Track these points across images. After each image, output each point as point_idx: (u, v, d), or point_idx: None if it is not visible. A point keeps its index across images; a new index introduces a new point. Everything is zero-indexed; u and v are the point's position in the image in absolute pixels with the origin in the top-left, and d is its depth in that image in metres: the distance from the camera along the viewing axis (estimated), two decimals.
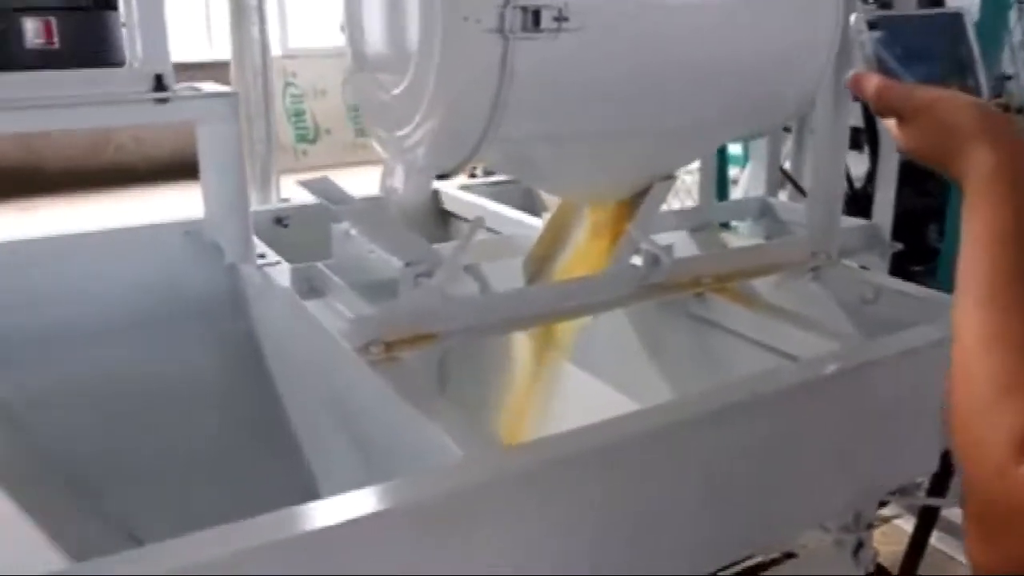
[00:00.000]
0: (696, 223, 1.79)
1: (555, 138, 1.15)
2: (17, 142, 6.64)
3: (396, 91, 1.13)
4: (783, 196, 2.02)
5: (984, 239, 0.62)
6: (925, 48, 0.77)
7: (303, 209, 1.95)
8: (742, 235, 1.85)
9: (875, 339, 1.25)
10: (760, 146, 1.94)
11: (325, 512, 0.74)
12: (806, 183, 2.12)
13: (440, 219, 2.10)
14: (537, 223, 1.66)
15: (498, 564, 0.82)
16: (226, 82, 1.72)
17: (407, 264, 1.13)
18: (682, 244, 1.62)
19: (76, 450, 1.75)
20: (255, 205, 1.98)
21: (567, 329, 1.33)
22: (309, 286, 1.33)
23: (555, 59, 1.05)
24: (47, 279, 1.76)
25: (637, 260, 1.40)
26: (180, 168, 6.75)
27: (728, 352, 1.34)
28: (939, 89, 0.73)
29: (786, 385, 1.07)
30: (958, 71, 0.77)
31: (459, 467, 0.83)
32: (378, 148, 1.27)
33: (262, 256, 1.53)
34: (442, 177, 1.13)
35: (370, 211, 1.12)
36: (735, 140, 1.66)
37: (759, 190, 1.92)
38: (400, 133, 1.14)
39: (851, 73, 0.76)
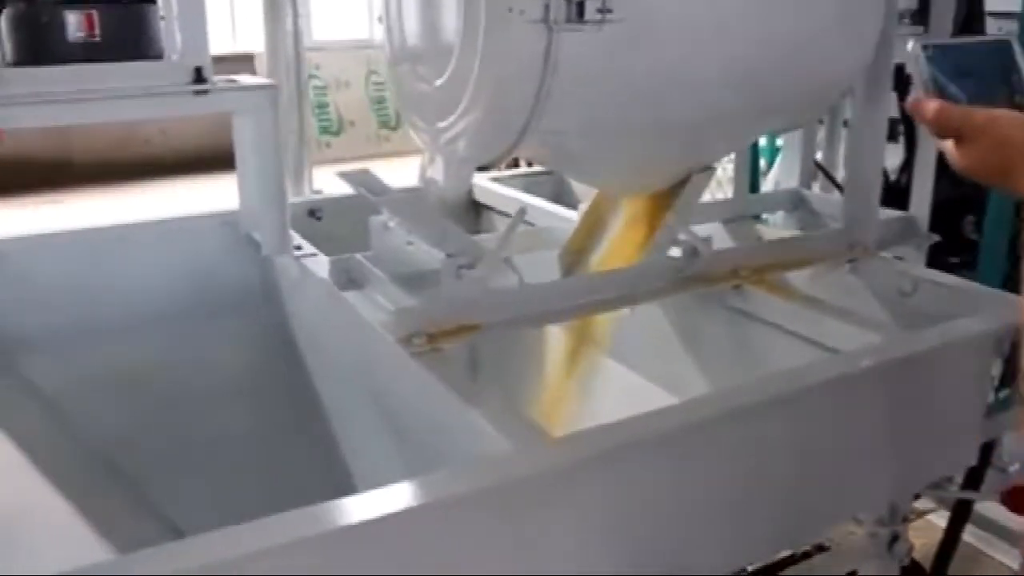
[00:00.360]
0: (730, 214, 1.79)
1: (596, 130, 1.15)
2: (47, 136, 6.70)
3: (438, 82, 1.14)
4: (815, 188, 2.02)
5: None
6: (978, 71, 0.78)
7: (336, 201, 1.96)
8: (775, 227, 1.84)
9: (915, 332, 1.24)
10: (793, 138, 1.93)
11: (380, 502, 0.75)
12: (838, 175, 2.11)
13: (472, 210, 2.11)
14: (572, 215, 1.66)
15: (549, 556, 0.83)
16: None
17: (449, 256, 1.13)
18: (716, 236, 1.61)
19: (114, 440, 1.77)
20: (288, 196, 1.99)
21: (603, 322, 1.33)
22: (347, 278, 1.34)
23: (598, 50, 1.05)
24: (84, 271, 1.77)
25: (674, 251, 1.40)
26: (205, 160, 6.81)
27: (766, 344, 1.34)
28: (995, 109, 0.75)
29: (829, 377, 1.06)
30: (1007, 93, 0.78)
31: (512, 458, 0.83)
32: (416, 139, 1.28)
33: (298, 248, 1.54)
34: (482, 169, 1.12)
35: (410, 202, 1.12)
36: (774, 131, 1.65)
37: (792, 182, 1.91)
38: (441, 124, 1.15)
39: (910, 99, 0.79)
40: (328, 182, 1.95)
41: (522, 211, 1.10)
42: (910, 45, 0.77)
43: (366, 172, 1.26)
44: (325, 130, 7.61)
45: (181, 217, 1.86)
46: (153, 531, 1.76)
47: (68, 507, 1.66)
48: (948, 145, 0.77)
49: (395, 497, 0.75)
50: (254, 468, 1.81)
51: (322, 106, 7.58)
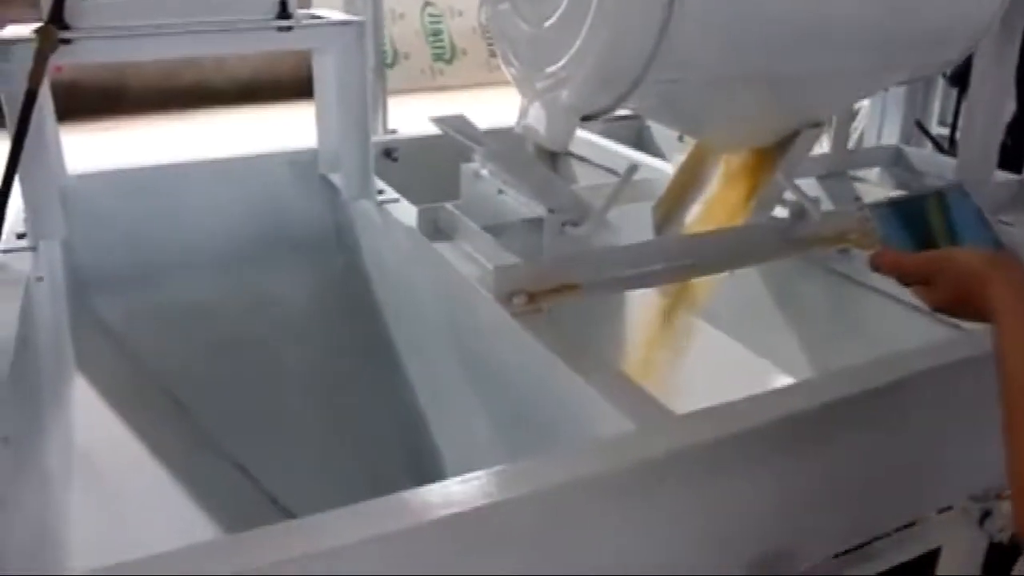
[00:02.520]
0: (825, 170, 1.70)
1: (714, 79, 1.07)
2: (101, 63, 6.66)
3: (548, 22, 1.06)
4: None
5: None
6: (922, 223, 0.86)
7: (414, 142, 1.90)
8: (872, 184, 1.74)
9: None
10: (893, 92, 1.82)
11: (503, 482, 0.70)
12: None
13: (547, 155, 2.03)
14: (663, 166, 1.59)
15: (671, 537, 0.78)
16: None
17: (552, 211, 1.07)
18: (812, 193, 1.53)
19: (181, 378, 1.75)
20: None
21: (703, 284, 1.27)
22: (435, 227, 1.29)
23: None
24: (151, 208, 1.74)
25: (778, 211, 1.32)
26: (260, 89, 6.75)
27: (873, 312, 1.27)
28: (950, 249, 0.82)
29: (953, 360, 0.99)
30: (949, 238, 0.86)
31: (636, 439, 0.78)
32: (513, 84, 1.20)
33: (380, 192, 1.48)
34: (588, 118, 1.05)
35: (511, 152, 1.06)
36: (897, 84, 1.55)
37: (892, 138, 1.81)
38: (549, 69, 1.07)
39: (869, 255, 0.85)
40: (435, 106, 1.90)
41: (633, 168, 1.03)
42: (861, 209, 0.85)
43: (461, 118, 1.19)
44: (438, 57, 7.58)
45: (250, 155, 1.80)
46: (218, 468, 1.75)
47: (139, 444, 1.66)
48: (918, 290, 0.82)
49: (516, 478, 0.70)
50: (321, 415, 1.79)
51: (436, 34, 7.55)
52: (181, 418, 1.77)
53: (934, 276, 0.80)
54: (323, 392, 1.82)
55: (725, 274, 1.26)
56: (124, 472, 1.60)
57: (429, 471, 1.58)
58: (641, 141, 2.08)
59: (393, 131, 1.92)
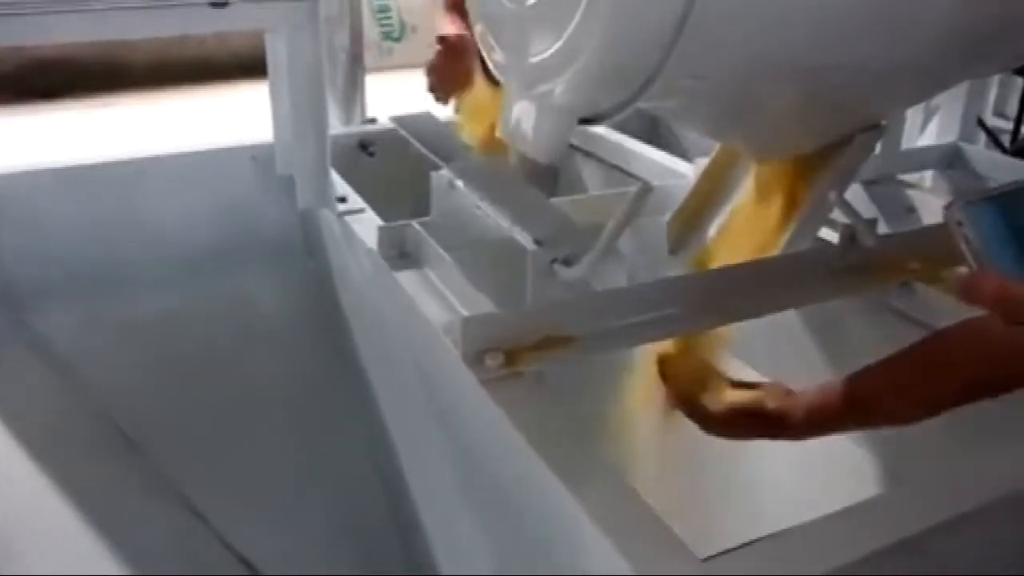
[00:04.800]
0: (873, 174, 1.45)
1: (751, 73, 0.82)
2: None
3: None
4: None
5: None
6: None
7: (396, 133, 1.65)
8: (925, 191, 1.49)
9: None
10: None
11: None
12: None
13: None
14: (685, 169, 1.34)
15: None
16: None
17: (539, 244, 0.83)
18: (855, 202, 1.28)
19: (129, 402, 1.54)
20: (335, 126, 1.69)
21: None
22: (400, 251, 1.05)
23: None
24: (96, 211, 1.52)
25: (824, 233, 1.08)
26: (264, 64, 6.50)
27: None
28: None
29: None
30: None
31: None
32: (497, 77, 0.96)
33: (343, 200, 1.24)
34: (588, 121, 0.81)
35: (488, 169, 0.81)
36: (973, 77, 1.30)
37: (950, 136, 1.55)
38: (535, 59, 0.83)
39: (958, 276, 0.58)
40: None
41: (647, 188, 0.79)
42: (947, 210, 0.57)
43: (428, 117, 0.95)
44: (387, 35, 7.19)
45: (207, 149, 1.57)
46: (167, 510, 1.55)
47: (74, 486, 1.45)
48: None
49: None
50: (290, 451, 1.58)
51: (384, 10, 7.15)
52: (128, 454, 1.56)
53: None
54: (292, 424, 1.61)
55: None
56: (53, 521, 1.39)
57: (411, 526, 1.36)
58: (656, 132, 1.82)
59: (371, 120, 1.68)
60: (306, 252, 1.64)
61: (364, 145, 1.61)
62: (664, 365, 0.83)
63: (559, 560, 0.71)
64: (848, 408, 0.72)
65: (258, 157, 1.56)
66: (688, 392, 0.80)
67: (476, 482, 0.90)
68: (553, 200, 1.06)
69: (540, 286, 0.83)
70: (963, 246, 0.56)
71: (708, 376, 0.82)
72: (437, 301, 0.95)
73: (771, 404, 0.76)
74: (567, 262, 0.81)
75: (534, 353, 0.81)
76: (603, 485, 0.65)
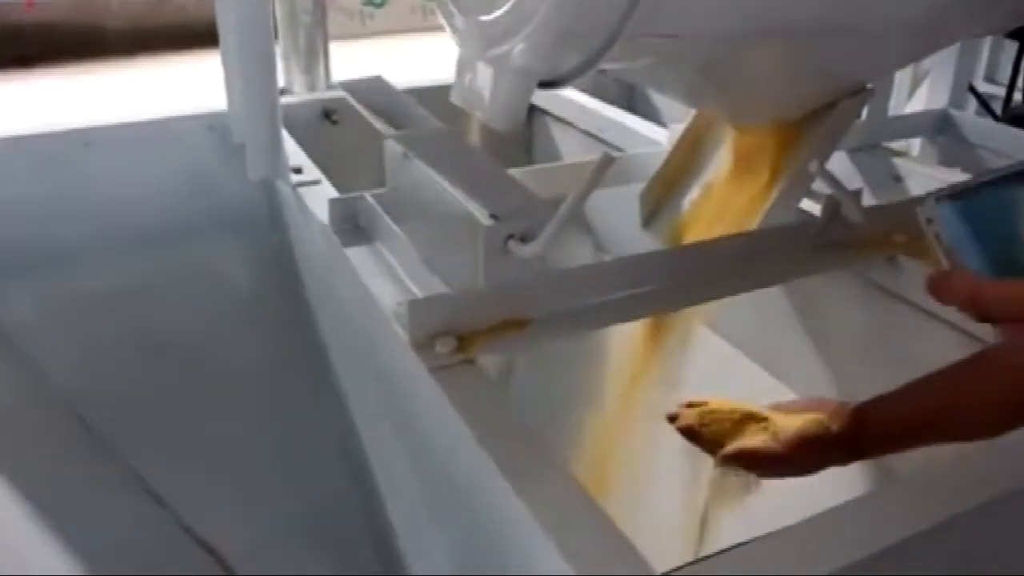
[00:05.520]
0: (858, 141, 1.38)
1: (724, 33, 0.76)
2: (77, 2, 6.33)
3: None
4: None
5: None
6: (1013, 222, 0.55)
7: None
8: (912, 160, 1.42)
9: None
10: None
11: None
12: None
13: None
14: (659, 135, 1.27)
15: None
16: None
17: (494, 218, 0.76)
18: (839, 170, 1.22)
19: (85, 386, 1.47)
20: (300, 93, 1.61)
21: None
22: (353, 224, 0.98)
23: None
24: (47, 182, 1.45)
25: (806, 204, 1.02)
26: None
27: (927, 341, 0.96)
28: None
29: None
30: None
31: None
32: (452, 38, 0.89)
33: (298, 171, 1.17)
34: (549, 85, 0.74)
35: (438, 139, 0.74)
36: (966, 37, 1.24)
37: (939, 102, 1.49)
38: (490, 17, 0.76)
39: (927, 275, 0.57)
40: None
41: (608, 160, 0.72)
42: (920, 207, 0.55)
43: (378, 81, 0.88)
44: (368, 1, 7.04)
45: (163, 118, 1.50)
46: (127, 499, 1.49)
47: (29, 472, 1.39)
48: (1008, 332, 0.55)
49: None
50: (256, 435, 1.52)
51: None
52: (84, 438, 1.49)
53: None
54: (255, 408, 1.55)
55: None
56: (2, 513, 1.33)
57: (378, 514, 1.31)
58: (633, 99, 1.75)
59: (335, 86, 1.60)
60: (270, 225, 1.57)
61: (327, 113, 1.53)
62: (686, 429, 0.73)
63: (511, 562, 0.66)
64: (932, 420, 0.62)
65: (216, 126, 1.49)
66: (727, 442, 0.71)
67: (431, 475, 0.84)
68: (521, 170, 0.99)
69: (494, 265, 0.76)
70: (934, 244, 0.54)
71: (737, 416, 0.73)
72: (390, 280, 0.88)
73: (836, 426, 0.68)
74: (524, 239, 0.75)
75: (489, 338, 0.75)
76: (554, 487, 0.59)
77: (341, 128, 1.54)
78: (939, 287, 0.55)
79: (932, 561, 0.58)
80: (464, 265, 0.83)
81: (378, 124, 0.78)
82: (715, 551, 0.57)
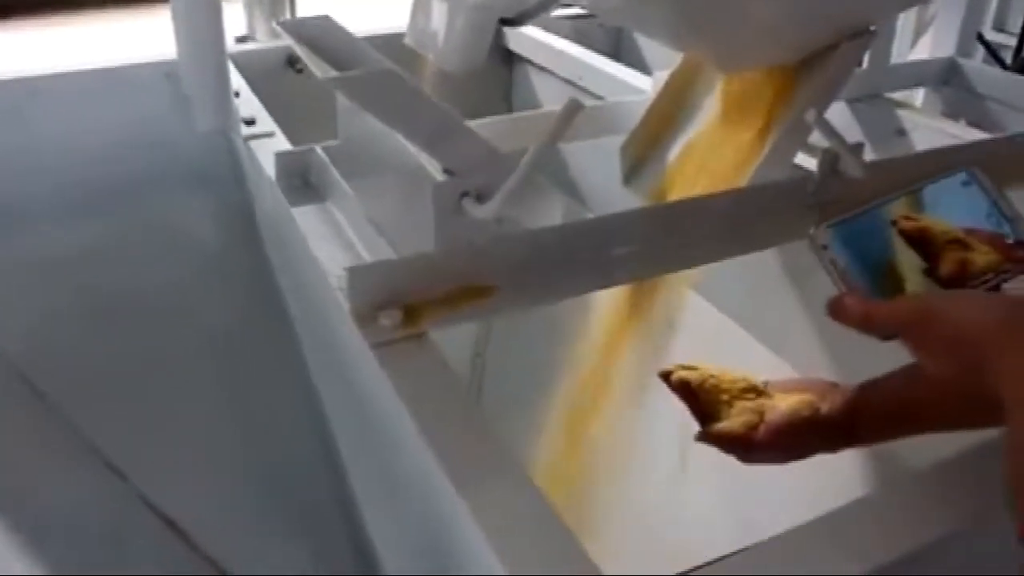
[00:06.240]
0: (859, 91, 1.29)
1: None
2: None
3: None
4: None
5: None
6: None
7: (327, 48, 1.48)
8: (915, 111, 1.33)
9: None
10: None
11: None
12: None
13: (503, 62, 1.61)
14: (644, 84, 1.18)
15: None
16: None
17: (448, 174, 0.67)
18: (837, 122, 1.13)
19: (37, 353, 1.39)
20: (262, 40, 1.52)
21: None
22: (303, 182, 0.89)
23: None
24: None
25: (800, 160, 0.93)
26: None
27: None
28: (937, 295, 0.58)
29: None
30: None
31: None
32: None
33: (251, 122, 1.08)
34: (509, 22, 0.65)
35: (383, 83, 0.65)
36: None
37: (945, 51, 1.39)
38: None
39: (829, 300, 0.59)
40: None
41: (576, 106, 0.63)
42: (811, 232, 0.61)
43: (326, 20, 0.78)
44: None
45: (116, 66, 1.40)
46: (81, 471, 1.41)
47: None
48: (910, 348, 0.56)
49: None
50: (207, 397, 1.44)
51: None
52: (35, 407, 1.41)
53: (919, 335, 0.54)
54: (219, 373, 1.46)
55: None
56: None
57: (344, 488, 1.23)
58: (620, 46, 1.65)
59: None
60: (233, 180, 1.48)
61: (292, 61, 1.44)
62: (682, 385, 0.66)
63: (455, 549, 0.58)
64: (938, 403, 0.57)
65: (173, 74, 1.39)
66: (721, 414, 0.65)
67: (381, 455, 0.76)
68: (482, 121, 0.90)
69: (447, 226, 0.67)
70: (829, 268, 0.58)
71: (739, 387, 0.66)
72: (340, 244, 0.79)
73: (827, 407, 0.63)
74: (480, 197, 0.66)
75: (441, 309, 0.66)
76: (502, 485, 0.51)
77: (307, 77, 1.44)
78: (836, 310, 0.57)
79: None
80: (420, 228, 0.74)
81: (319, 68, 0.68)
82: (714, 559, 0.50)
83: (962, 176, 0.63)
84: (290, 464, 1.41)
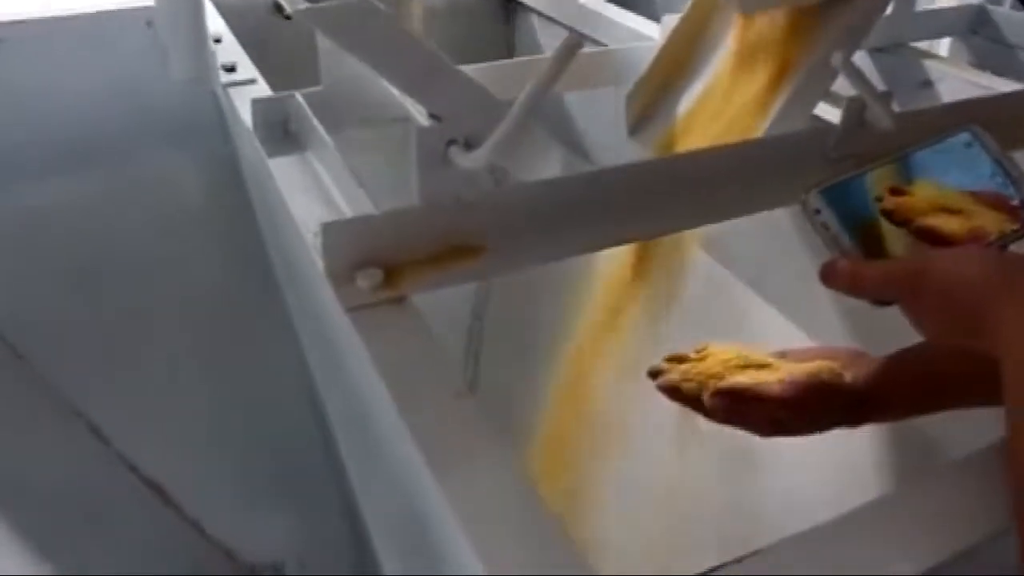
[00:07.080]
0: (882, 40, 1.21)
1: None
2: None
3: None
4: None
5: None
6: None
7: None
8: (940, 61, 1.25)
9: None
10: None
11: None
12: None
13: (501, 9, 1.53)
14: (651, 31, 1.11)
15: None
16: None
17: (433, 119, 0.61)
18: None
19: (17, 315, 1.34)
20: None
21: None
22: (283, 131, 0.82)
23: None
24: None
25: (822, 110, 0.86)
26: None
27: None
28: (929, 252, 0.53)
29: None
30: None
31: None
32: None
33: (231, 69, 1.01)
34: None
35: (362, 16, 0.58)
36: None
37: None
38: None
39: (823, 265, 0.56)
40: None
41: (575, 44, 0.56)
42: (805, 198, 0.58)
43: None
44: None
45: (93, 12, 1.32)
46: (65, 435, 1.37)
47: None
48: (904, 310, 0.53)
49: None
50: (190, 357, 1.39)
51: None
52: (17, 369, 1.37)
53: (914, 295, 0.51)
54: (205, 334, 1.41)
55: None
56: None
57: (334, 453, 1.19)
58: None
59: None
60: (221, 133, 1.41)
61: (279, 7, 1.36)
62: (669, 388, 0.65)
63: (438, 544, 0.52)
64: (970, 377, 0.55)
65: (154, 22, 1.32)
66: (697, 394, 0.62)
67: (363, 428, 0.70)
68: (476, 66, 0.83)
69: (432, 178, 0.61)
70: (821, 232, 0.56)
71: (733, 363, 0.64)
72: (319, 199, 0.73)
73: (851, 376, 0.60)
74: (469, 144, 0.59)
75: (425, 270, 0.60)
76: (483, 471, 0.45)
77: (297, 23, 1.37)
78: (827, 275, 0.55)
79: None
80: (405, 182, 0.68)
81: (291, 2, 0.61)
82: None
83: (964, 137, 0.60)
84: (279, 427, 1.36)
